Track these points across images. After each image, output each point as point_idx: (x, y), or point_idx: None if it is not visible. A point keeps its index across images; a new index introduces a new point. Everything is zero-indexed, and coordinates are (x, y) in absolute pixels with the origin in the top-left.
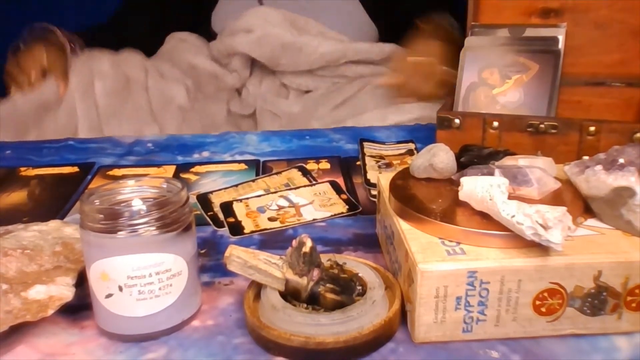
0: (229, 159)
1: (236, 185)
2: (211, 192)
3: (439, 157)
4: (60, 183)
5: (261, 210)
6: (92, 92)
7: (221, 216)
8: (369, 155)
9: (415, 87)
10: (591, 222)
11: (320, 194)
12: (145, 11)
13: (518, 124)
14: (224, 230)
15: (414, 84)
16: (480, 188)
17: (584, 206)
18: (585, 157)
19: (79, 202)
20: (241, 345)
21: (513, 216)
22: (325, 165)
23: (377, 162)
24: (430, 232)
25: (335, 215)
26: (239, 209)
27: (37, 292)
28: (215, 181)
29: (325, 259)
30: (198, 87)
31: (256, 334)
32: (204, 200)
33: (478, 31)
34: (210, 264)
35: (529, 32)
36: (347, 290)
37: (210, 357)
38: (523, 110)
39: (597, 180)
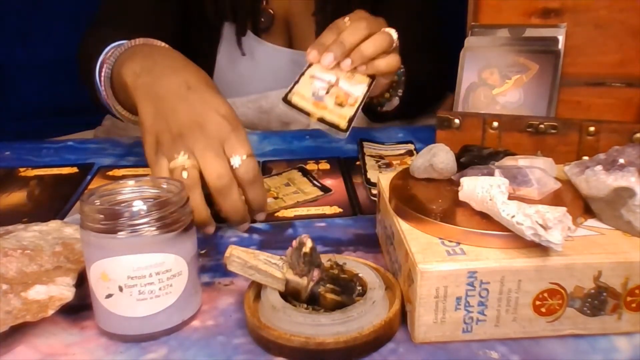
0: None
1: None
2: None
3: (439, 157)
4: (60, 183)
5: None
6: None
7: None
8: (368, 155)
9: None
10: (591, 222)
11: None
12: None
13: (518, 124)
14: (225, 230)
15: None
16: (480, 188)
17: (584, 206)
18: (585, 158)
19: (79, 203)
20: (241, 346)
21: (513, 216)
22: (325, 165)
23: (377, 161)
24: (430, 232)
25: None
26: None
27: (37, 292)
28: None
29: (325, 259)
30: None
31: (256, 334)
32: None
33: (478, 31)
34: (210, 264)
35: (529, 32)
36: (347, 290)
37: (210, 358)
38: (523, 110)
39: (597, 180)
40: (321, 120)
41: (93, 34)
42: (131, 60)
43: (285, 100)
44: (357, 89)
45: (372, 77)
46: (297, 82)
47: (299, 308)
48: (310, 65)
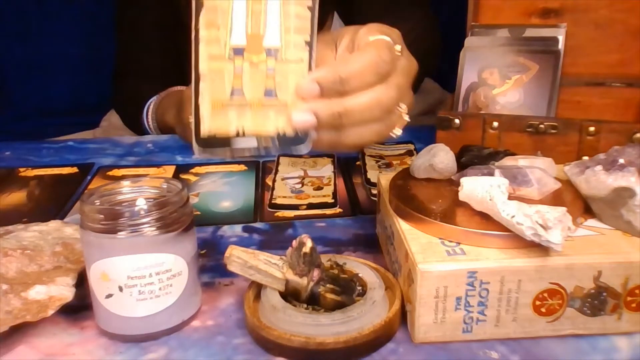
0: (229, 159)
1: None
2: None
3: (439, 157)
4: (60, 183)
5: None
6: None
7: None
8: (368, 155)
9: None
10: (591, 222)
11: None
12: None
13: (518, 124)
14: (225, 230)
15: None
16: (481, 188)
17: (584, 206)
18: (585, 158)
19: (79, 203)
20: (241, 346)
21: (513, 216)
22: None
23: (377, 162)
24: (430, 233)
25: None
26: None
27: (37, 292)
28: (214, 182)
29: (325, 259)
30: None
31: (256, 334)
32: None
33: (478, 31)
34: (210, 264)
35: (529, 33)
36: (347, 290)
37: (210, 358)
38: (523, 110)
39: (597, 180)
40: (310, 205)
41: (123, 90)
42: (167, 110)
43: (270, 206)
44: (324, 170)
45: (332, 155)
46: (272, 188)
47: (299, 308)
48: (275, 171)
